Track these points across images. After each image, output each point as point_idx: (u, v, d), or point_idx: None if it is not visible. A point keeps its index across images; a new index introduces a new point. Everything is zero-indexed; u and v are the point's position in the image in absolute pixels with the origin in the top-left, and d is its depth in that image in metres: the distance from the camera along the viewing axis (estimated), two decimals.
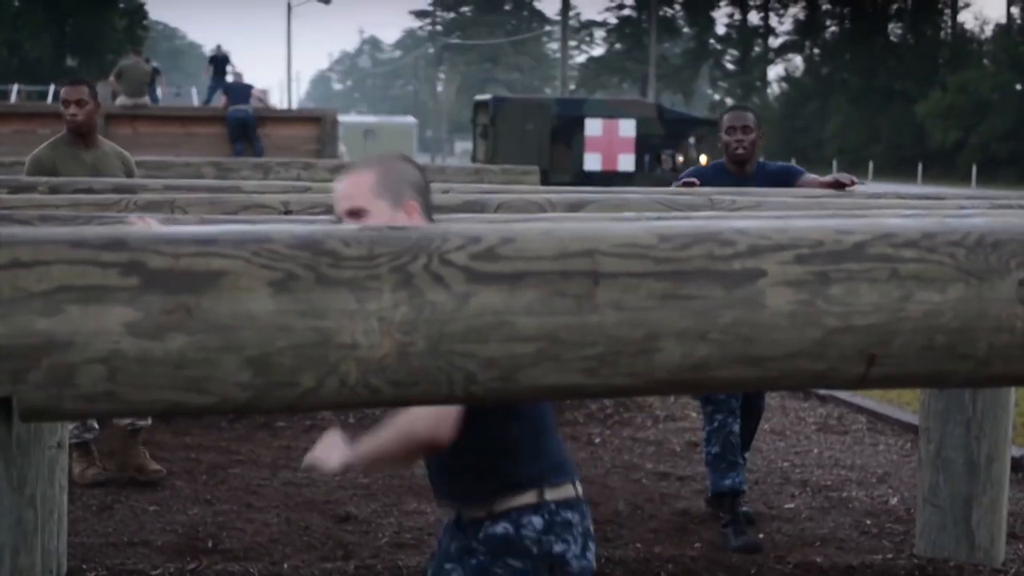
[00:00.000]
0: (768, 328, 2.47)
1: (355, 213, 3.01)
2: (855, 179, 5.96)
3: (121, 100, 20.16)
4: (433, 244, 2.46)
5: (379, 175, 3.05)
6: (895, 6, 65.38)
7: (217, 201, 4.39)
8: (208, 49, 38.32)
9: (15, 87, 33.06)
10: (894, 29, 65.62)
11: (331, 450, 3.29)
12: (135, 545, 5.57)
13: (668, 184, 5.78)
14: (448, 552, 3.18)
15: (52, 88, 35.52)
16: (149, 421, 6.52)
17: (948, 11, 64.67)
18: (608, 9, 75.86)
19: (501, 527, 3.06)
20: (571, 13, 62.02)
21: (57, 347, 2.26)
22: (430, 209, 3.13)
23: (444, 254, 2.43)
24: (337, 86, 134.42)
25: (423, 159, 57.10)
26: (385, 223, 2.88)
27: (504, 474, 3.08)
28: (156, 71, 23.37)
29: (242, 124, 18.70)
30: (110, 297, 2.29)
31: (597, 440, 7.69)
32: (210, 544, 5.61)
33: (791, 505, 6.36)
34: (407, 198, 3.03)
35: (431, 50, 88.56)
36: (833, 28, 68.00)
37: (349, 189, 3.04)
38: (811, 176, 6.14)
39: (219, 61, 27.10)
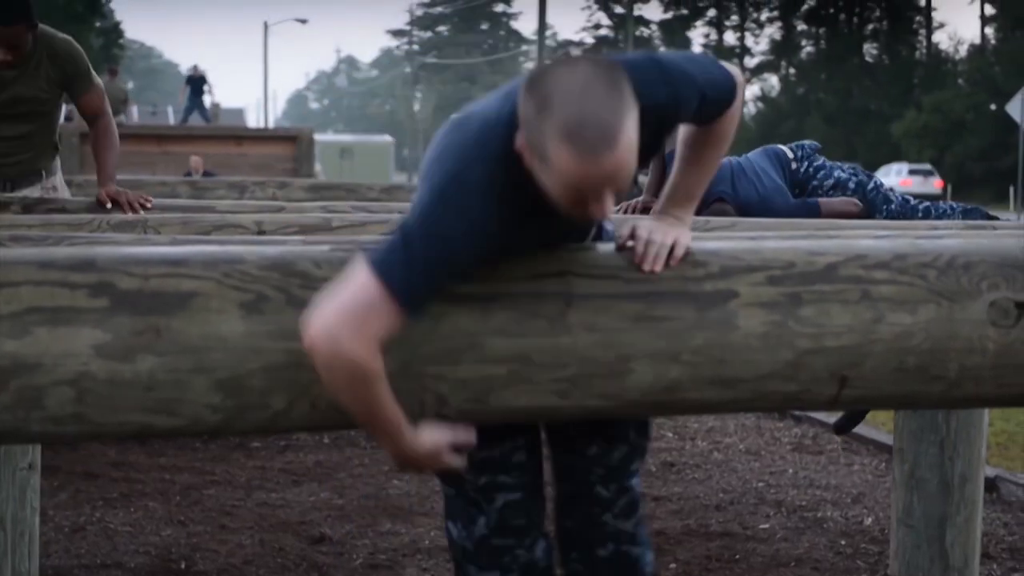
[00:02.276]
0: (740, 349, 2.47)
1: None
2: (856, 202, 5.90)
3: None
4: None
5: (630, 115, 2.30)
6: (870, 26, 65.72)
7: (190, 221, 4.37)
8: (185, 68, 38.28)
9: None
10: (869, 49, 65.93)
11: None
12: (108, 567, 5.53)
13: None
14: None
15: None
16: None
17: (923, 31, 65.01)
18: (585, 29, 76.15)
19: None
20: (548, 32, 62.20)
21: (25, 369, 2.25)
22: None
23: None
24: (314, 105, 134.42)
25: (400, 178, 57.10)
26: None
27: None
28: (127, 100, 23.37)
29: None
30: (79, 318, 2.27)
31: None
32: (183, 566, 5.57)
33: (766, 525, 6.35)
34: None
35: (408, 69, 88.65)
36: (809, 48, 68.30)
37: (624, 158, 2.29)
38: None
39: (196, 81, 27.08)
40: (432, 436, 2.44)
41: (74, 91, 5.14)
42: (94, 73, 5.19)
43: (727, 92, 2.56)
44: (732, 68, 2.60)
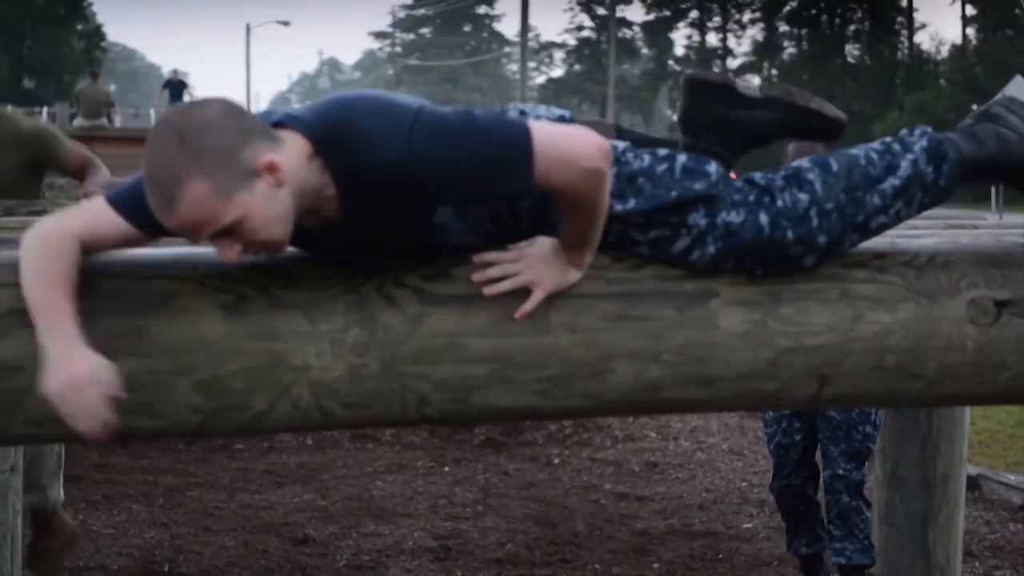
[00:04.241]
0: (720, 349, 2.48)
1: (227, 232, 2.20)
2: None
3: (78, 122, 20.14)
4: (387, 265, 2.46)
5: (200, 168, 2.14)
6: (852, 27, 65.83)
7: None
8: (167, 71, 38.10)
9: None
10: (851, 50, 66.01)
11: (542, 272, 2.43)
12: (91, 570, 5.53)
13: None
14: None
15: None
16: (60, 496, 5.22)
17: (905, 32, 65.13)
18: (567, 31, 76.21)
19: None
20: (530, 34, 62.22)
21: (6, 371, 2.24)
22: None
23: (397, 275, 2.43)
24: (296, 107, 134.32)
25: None
26: (263, 204, 2.19)
27: None
28: (111, 104, 23.22)
29: None
30: None
31: (556, 460, 7.68)
32: (167, 568, 5.57)
33: (749, 525, 6.37)
34: (258, 156, 2.19)
35: (391, 71, 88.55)
36: (791, 49, 68.37)
37: (193, 214, 2.16)
38: None
39: (175, 86, 26.64)
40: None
41: (52, 164, 5.21)
42: (64, 138, 5.24)
43: (512, 163, 2.25)
44: (554, 134, 2.28)
